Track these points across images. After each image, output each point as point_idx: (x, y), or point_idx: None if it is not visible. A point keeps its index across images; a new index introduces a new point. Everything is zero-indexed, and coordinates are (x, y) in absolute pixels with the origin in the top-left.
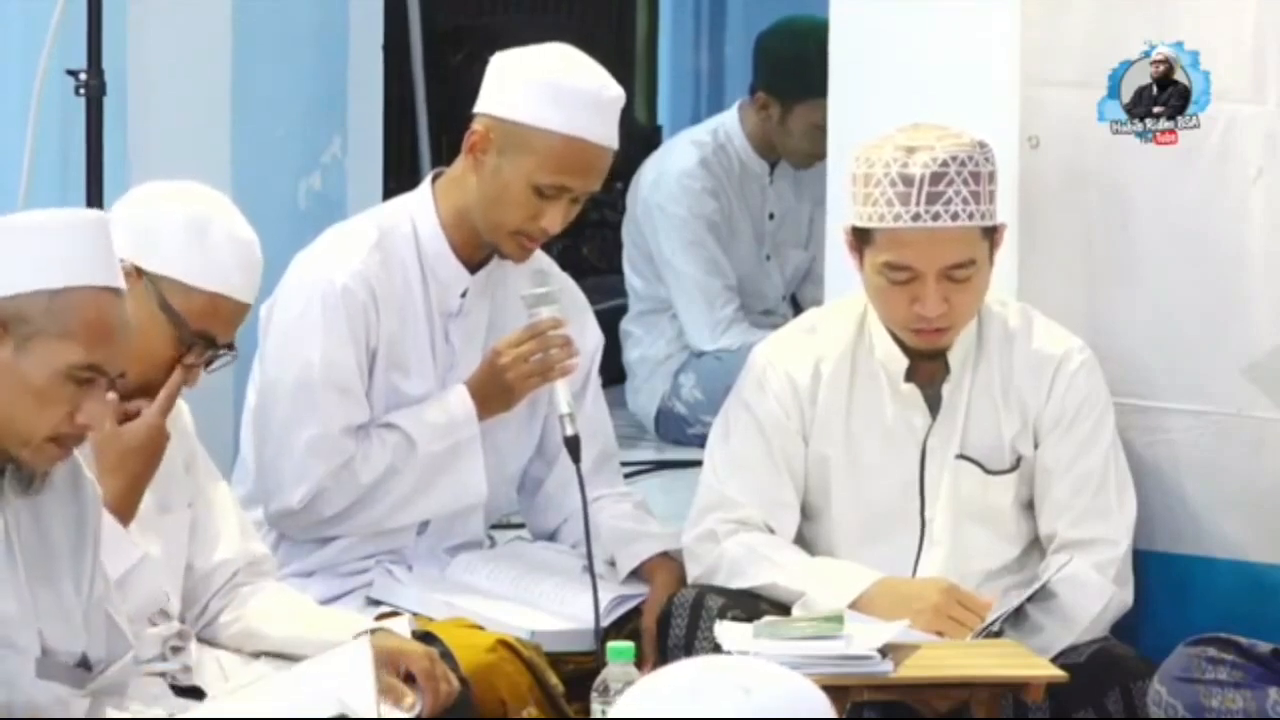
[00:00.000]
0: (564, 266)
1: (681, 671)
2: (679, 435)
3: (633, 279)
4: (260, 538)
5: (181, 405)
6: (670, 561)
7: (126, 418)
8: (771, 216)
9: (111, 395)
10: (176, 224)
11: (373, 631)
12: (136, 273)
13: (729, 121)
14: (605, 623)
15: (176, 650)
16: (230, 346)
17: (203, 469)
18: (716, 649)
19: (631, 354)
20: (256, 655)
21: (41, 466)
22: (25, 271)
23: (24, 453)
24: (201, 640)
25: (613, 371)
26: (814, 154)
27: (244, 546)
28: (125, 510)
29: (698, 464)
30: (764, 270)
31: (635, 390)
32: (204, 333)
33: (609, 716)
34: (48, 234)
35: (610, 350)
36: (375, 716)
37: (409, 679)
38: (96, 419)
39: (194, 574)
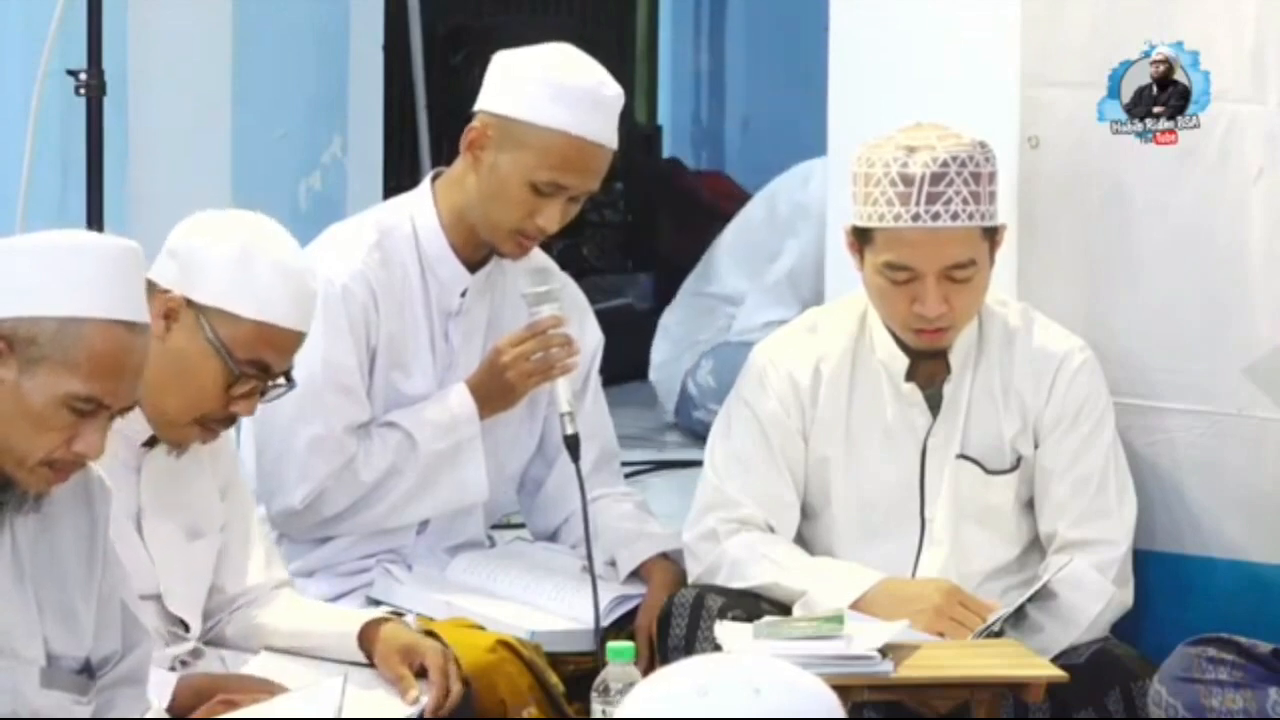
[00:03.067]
0: (564, 266)
1: (690, 670)
2: (687, 419)
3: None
4: (280, 557)
5: (227, 432)
6: (669, 562)
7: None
8: None
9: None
10: (223, 254)
11: (385, 620)
12: (186, 304)
13: None
14: (605, 623)
15: (185, 665)
16: (288, 376)
17: (240, 496)
18: (716, 649)
19: (675, 329)
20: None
21: (35, 489)
22: (41, 294)
23: (19, 473)
24: (207, 643)
25: (634, 367)
26: None
27: (269, 574)
28: None
29: (698, 464)
30: None
31: (661, 364)
32: (255, 361)
33: (616, 715)
34: (72, 259)
35: (631, 346)
36: (372, 717)
37: (421, 674)
38: (94, 449)
39: (218, 595)
